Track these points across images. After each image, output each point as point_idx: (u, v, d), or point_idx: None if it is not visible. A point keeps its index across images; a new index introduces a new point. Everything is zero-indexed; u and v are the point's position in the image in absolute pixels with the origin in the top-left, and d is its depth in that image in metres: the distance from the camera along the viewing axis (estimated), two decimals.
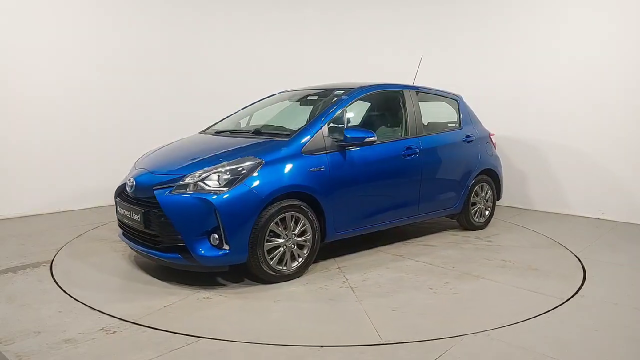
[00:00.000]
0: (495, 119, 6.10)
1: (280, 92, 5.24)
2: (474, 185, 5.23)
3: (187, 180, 3.51)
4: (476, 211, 5.34)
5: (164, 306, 3.24)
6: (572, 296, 3.51)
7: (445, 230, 5.38)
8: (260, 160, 3.63)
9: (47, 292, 3.45)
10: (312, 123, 4.06)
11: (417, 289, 3.61)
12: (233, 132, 4.51)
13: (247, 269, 3.65)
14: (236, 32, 7.49)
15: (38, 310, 3.14)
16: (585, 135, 6.02)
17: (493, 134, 5.65)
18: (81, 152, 6.18)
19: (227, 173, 3.52)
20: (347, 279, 3.80)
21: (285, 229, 3.68)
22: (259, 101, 5.21)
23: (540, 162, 6.41)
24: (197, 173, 3.54)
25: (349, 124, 4.77)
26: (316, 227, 3.86)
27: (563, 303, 3.37)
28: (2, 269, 3.93)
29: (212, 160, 3.68)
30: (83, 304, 3.23)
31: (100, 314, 3.08)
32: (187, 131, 5.19)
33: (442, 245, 4.77)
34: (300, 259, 3.81)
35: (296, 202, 3.72)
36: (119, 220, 4.09)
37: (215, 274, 3.80)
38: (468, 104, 5.52)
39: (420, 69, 5.74)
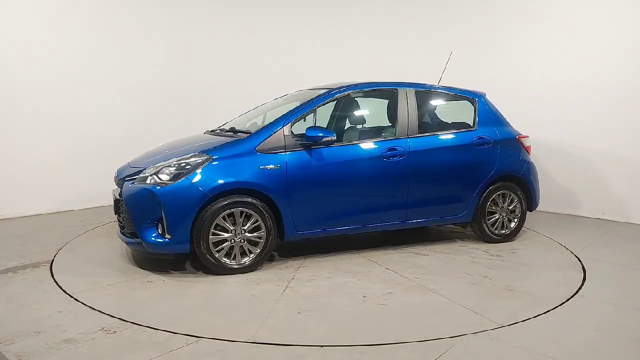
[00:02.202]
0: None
1: (292, 92, 5.18)
2: (490, 192, 4.70)
3: (146, 173, 3.83)
4: (495, 222, 4.78)
5: (108, 284, 3.60)
6: (572, 296, 3.50)
7: (456, 240, 4.92)
8: (207, 157, 3.79)
9: (47, 292, 3.45)
10: (274, 122, 4.10)
11: (350, 295, 3.45)
12: (222, 131, 4.56)
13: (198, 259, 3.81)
14: (243, 31, 7.47)
15: (38, 310, 3.14)
16: (585, 135, 6.00)
17: (526, 137, 5.01)
18: (81, 152, 6.16)
19: (175, 168, 3.74)
20: (293, 278, 3.78)
21: (234, 224, 3.76)
22: (272, 101, 5.17)
23: (541, 163, 6.38)
24: (153, 167, 3.84)
25: (332, 125, 4.78)
26: (270, 224, 3.87)
27: (563, 303, 3.37)
28: (2, 269, 3.93)
29: (175, 156, 3.92)
30: (83, 303, 3.24)
31: (100, 314, 3.08)
32: (189, 133, 5.18)
33: (434, 255, 4.39)
34: (252, 255, 3.86)
35: (246, 199, 3.78)
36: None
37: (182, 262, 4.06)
38: (494, 103, 5.05)
39: (448, 66, 5.43)
